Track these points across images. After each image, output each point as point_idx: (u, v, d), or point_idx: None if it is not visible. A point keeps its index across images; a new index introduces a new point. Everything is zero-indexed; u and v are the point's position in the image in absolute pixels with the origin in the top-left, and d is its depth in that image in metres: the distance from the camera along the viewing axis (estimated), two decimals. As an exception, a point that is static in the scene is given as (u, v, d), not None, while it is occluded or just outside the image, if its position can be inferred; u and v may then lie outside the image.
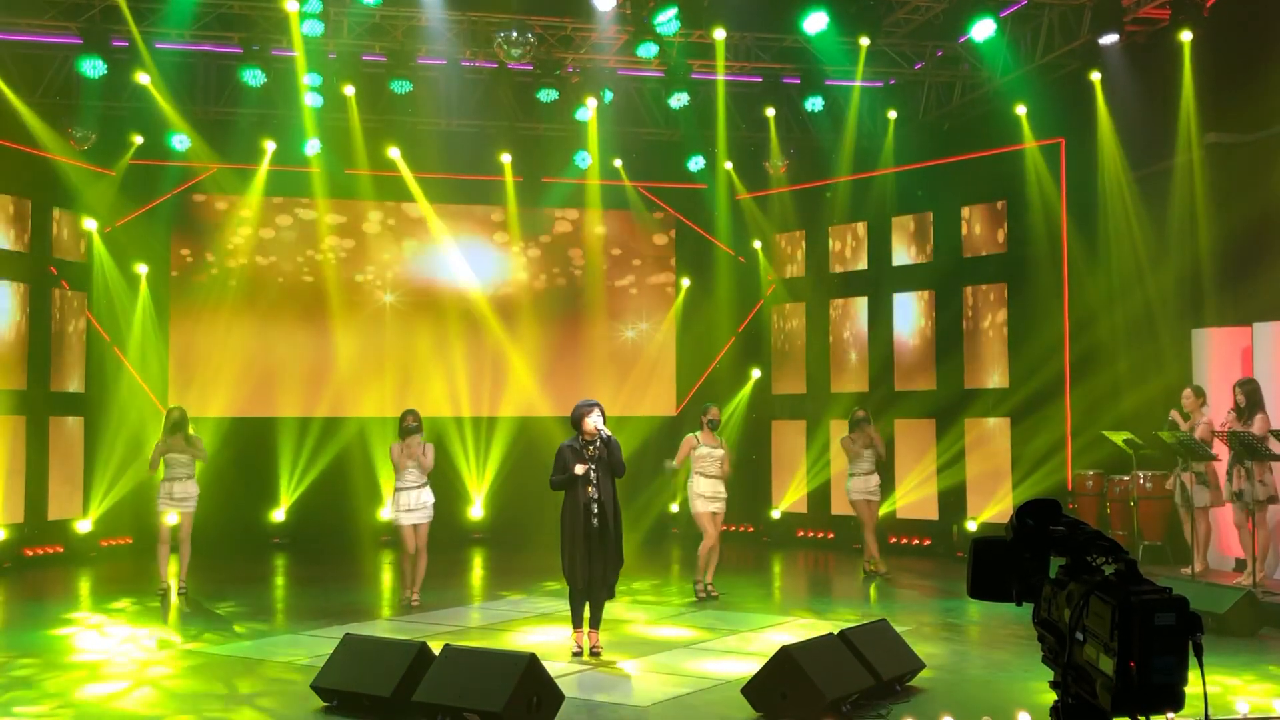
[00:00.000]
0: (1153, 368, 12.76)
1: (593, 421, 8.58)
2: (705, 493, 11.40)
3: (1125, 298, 13.32)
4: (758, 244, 17.25)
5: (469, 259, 16.89)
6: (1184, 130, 12.39)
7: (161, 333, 15.75)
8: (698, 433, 11.51)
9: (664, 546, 15.62)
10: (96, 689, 7.78)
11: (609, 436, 8.63)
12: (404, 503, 10.79)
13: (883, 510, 15.38)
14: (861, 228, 16.17)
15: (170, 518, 11.61)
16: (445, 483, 15.81)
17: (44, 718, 7.04)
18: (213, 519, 15.12)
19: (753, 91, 15.26)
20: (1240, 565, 11.22)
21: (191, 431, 11.91)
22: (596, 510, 8.48)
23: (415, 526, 10.83)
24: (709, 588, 11.49)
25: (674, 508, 16.65)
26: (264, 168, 15.55)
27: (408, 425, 10.86)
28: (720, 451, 11.47)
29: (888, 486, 15.40)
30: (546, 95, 14.18)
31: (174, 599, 11.52)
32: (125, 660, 8.73)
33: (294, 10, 12.67)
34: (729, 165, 16.54)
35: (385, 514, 10.90)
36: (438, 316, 16.67)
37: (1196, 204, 12.36)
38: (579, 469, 8.47)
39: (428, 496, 10.92)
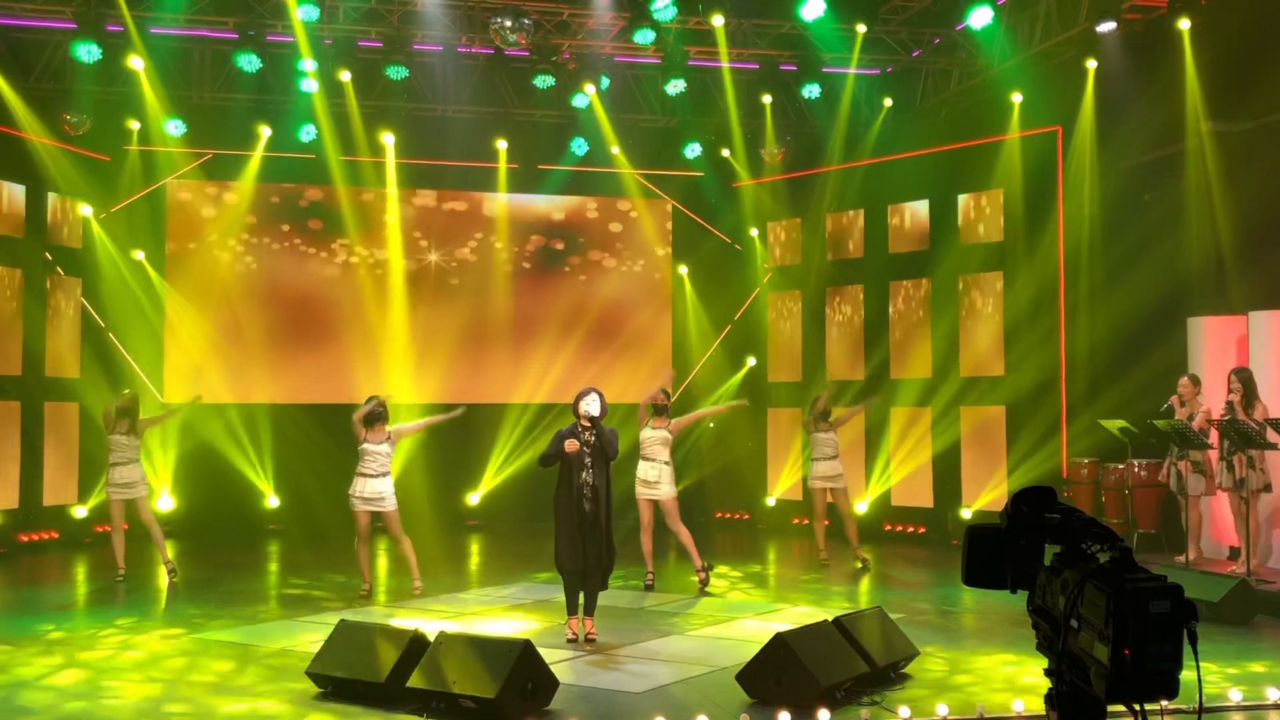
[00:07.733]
0: (1148, 355, 12.76)
1: (584, 406, 8.62)
2: (645, 478, 11.15)
3: (1121, 285, 13.30)
4: (754, 231, 17.23)
5: (462, 245, 16.85)
6: (1187, 117, 12.33)
7: (157, 318, 15.71)
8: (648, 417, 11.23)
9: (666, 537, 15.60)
10: (88, 676, 7.77)
11: (601, 424, 8.64)
12: (358, 489, 10.58)
13: (877, 492, 15.43)
14: (857, 215, 16.16)
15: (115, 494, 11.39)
16: (443, 469, 15.83)
17: (37, 705, 7.03)
18: (208, 505, 15.20)
19: (749, 78, 15.21)
20: (1234, 553, 11.24)
21: (143, 417, 11.82)
22: (589, 495, 8.51)
23: (378, 515, 10.60)
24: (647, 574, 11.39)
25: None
26: (259, 153, 15.53)
27: (374, 411, 10.67)
28: (664, 434, 11.15)
29: (883, 473, 15.47)
30: (543, 81, 14.14)
31: (164, 583, 11.54)
32: (117, 646, 8.72)
33: (289, -5, 12.64)
34: (726, 152, 16.51)
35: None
36: (434, 301, 16.64)
37: (1194, 192, 12.33)
38: (569, 446, 8.47)
39: (384, 486, 10.60)
